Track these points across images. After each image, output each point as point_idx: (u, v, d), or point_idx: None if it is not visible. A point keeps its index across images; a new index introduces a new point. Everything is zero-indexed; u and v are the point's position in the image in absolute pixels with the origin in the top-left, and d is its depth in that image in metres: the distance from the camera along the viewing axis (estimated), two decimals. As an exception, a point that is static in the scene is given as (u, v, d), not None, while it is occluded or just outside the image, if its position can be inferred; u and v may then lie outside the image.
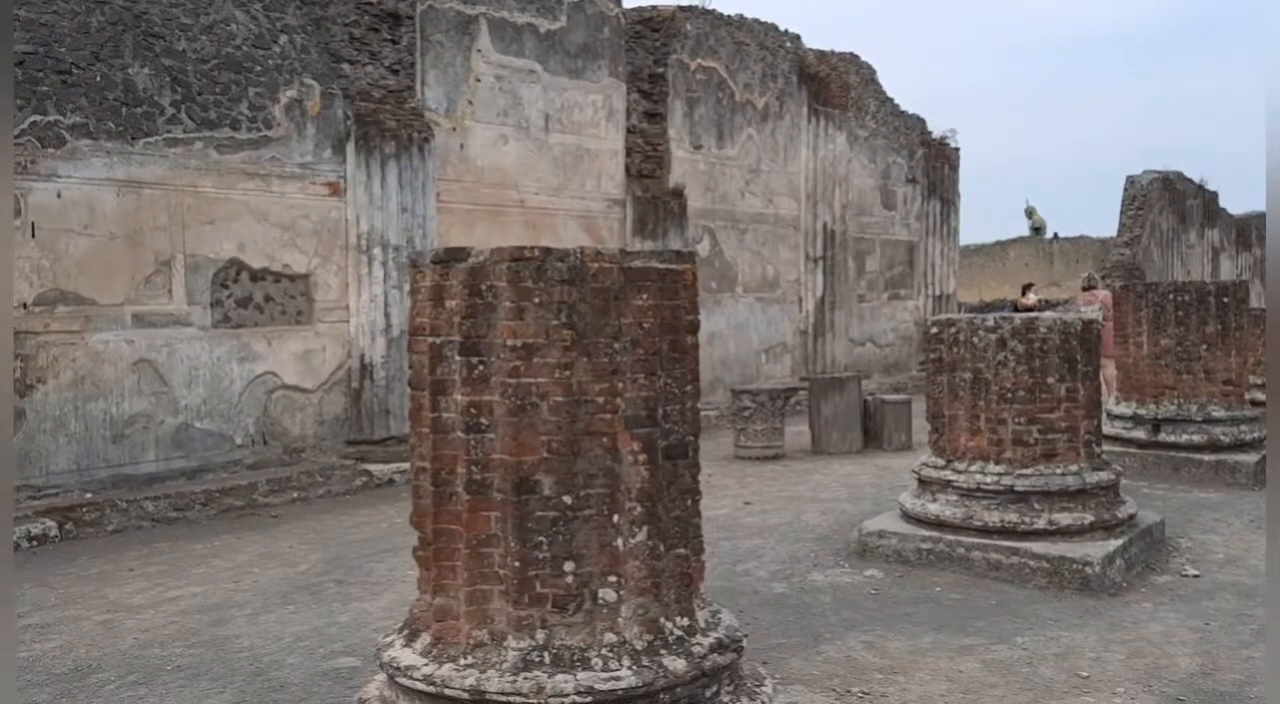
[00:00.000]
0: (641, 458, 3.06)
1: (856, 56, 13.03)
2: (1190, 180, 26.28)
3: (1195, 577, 5.49)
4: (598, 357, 3.01)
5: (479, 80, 9.28)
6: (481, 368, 3.00)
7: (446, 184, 9.02)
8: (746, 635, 3.46)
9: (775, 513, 7.09)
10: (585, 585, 2.97)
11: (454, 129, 9.12)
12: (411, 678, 2.99)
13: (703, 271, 11.49)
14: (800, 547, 6.16)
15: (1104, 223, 21.90)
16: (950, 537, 5.64)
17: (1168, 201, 24.36)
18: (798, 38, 12.47)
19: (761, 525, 6.74)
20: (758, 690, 3.26)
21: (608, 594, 2.99)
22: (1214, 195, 28.01)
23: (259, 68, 7.78)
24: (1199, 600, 5.09)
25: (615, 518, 3.00)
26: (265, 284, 7.95)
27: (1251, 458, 7.93)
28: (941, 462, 5.87)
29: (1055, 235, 36.11)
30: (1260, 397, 10.59)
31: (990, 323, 5.75)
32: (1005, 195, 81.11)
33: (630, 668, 2.90)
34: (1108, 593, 5.16)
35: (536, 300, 2.96)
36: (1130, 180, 23.43)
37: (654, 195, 10.64)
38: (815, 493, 7.75)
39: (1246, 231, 31.65)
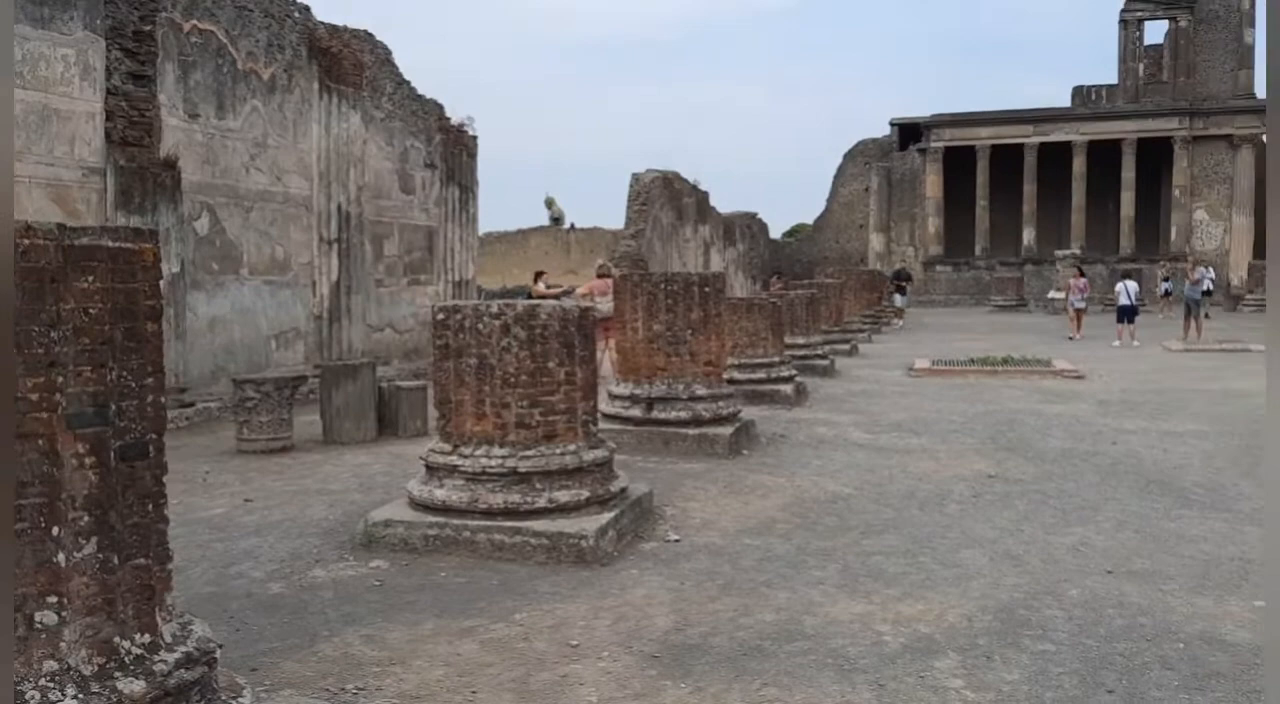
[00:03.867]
0: (89, 461, 2.71)
1: (371, 34, 12.75)
2: (686, 180, 29.04)
3: (676, 541, 6.00)
4: (30, 347, 2.61)
5: (-88, 17, 7.79)
6: None
7: None
8: (222, 646, 3.20)
9: (278, 509, 6.73)
10: (19, 609, 2.58)
11: (-123, 73, 7.58)
12: None
13: (202, 251, 10.63)
14: (303, 543, 5.88)
15: (616, 215, 23.54)
16: (457, 521, 5.68)
17: (667, 199, 26.73)
18: (307, 9, 11.93)
19: (262, 523, 6.35)
20: (234, 702, 3.04)
21: (47, 617, 2.63)
22: (706, 195, 31.20)
23: None
24: (678, 563, 5.56)
25: (55, 530, 2.64)
26: None
27: (727, 430, 8.83)
28: (449, 447, 5.90)
29: (572, 225, 38.32)
30: (737, 376, 11.90)
31: (495, 309, 5.87)
32: (529, 185, 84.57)
33: (76, 697, 2.58)
34: (600, 563, 5.47)
35: (-57, 281, 2.49)
36: (635, 177, 25.39)
37: (142, 166, 9.63)
38: (324, 485, 7.47)
39: (732, 229, 35.68)
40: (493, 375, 5.79)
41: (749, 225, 38.87)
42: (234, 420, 9.08)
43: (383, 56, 13.00)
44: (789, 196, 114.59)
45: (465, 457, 5.80)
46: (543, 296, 14.44)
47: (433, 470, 5.92)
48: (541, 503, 5.72)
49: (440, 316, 5.97)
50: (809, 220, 49.53)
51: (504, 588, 5.09)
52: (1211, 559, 5.63)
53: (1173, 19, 39.74)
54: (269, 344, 11.59)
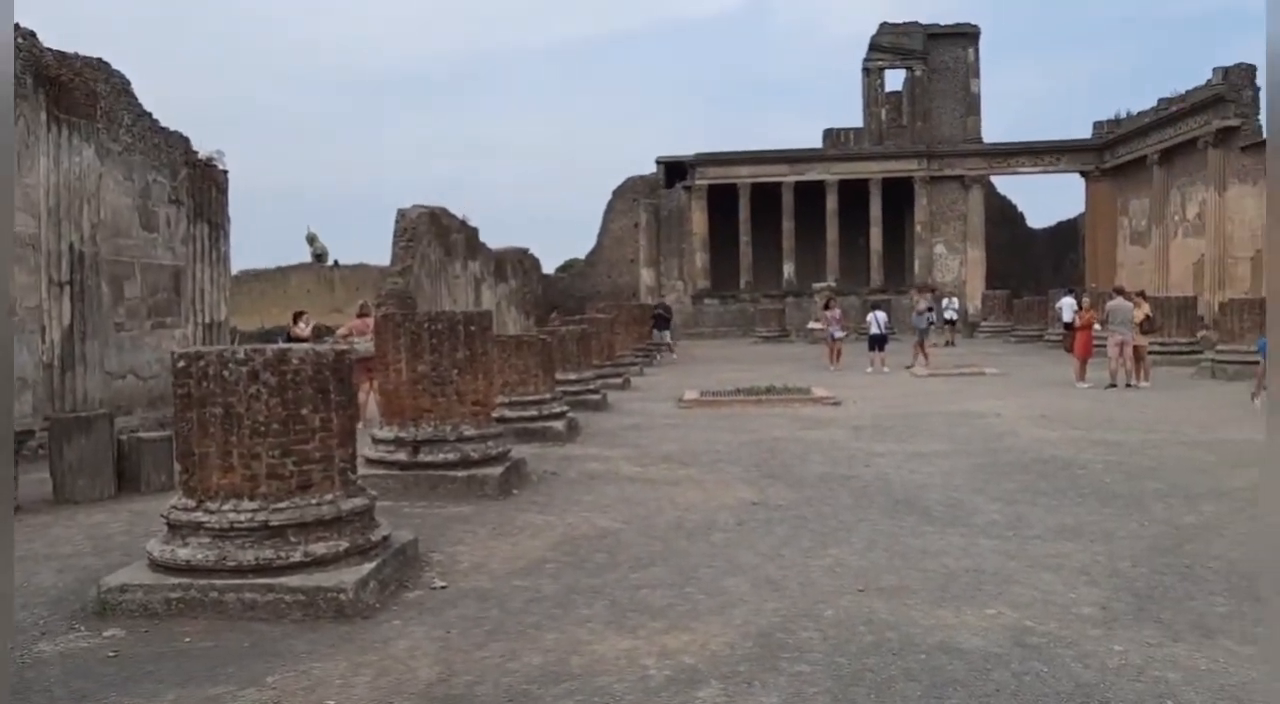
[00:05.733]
0: None
1: (106, 63, 11.91)
2: (454, 216, 28.73)
3: (443, 588, 5.85)
4: None
5: None
6: None
7: None
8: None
9: (-2, 579, 6.10)
10: None
11: None
12: None
13: (-92, 297, 9.56)
14: (27, 615, 5.35)
15: (383, 252, 22.89)
16: (203, 582, 5.34)
17: (435, 235, 26.34)
18: (32, 34, 11.02)
19: (-23, 596, 5.74)
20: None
21: None
22: (475, 230, 30.95)
23: None
24: (444, 611, 5.42)
25: None
26: None
27: (497, 470, 8.72)
28: (193, 503, 5.54)
29: (336, 262, 37.25)
30: (508, 414, 11.81)
31: (241, 355, 5.57)
32: (291, 221, 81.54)
33: None
34: (362, 616, 5.26)
35: None
36: (401, 213, 24.87)
37: None
38: (53, 549, 6.83)
39: (503, 264, 35.57)
40: (241, 425, 5.49)
41: (521, 261, 38.89)
42: (-53, 483, 8.19)
43: (119, 86, 12.17)
44: (561, 232, 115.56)
45: (211, 512, 5.46)
46: (301, 339, 13.87)
47: (175, 528, 5.54)
48: (297, 557, 5.45)
49: (181, 364, 5.61)
50: (582, 255, 50.11)
51: (255, 650, 4.80)
52: (950, 572, 6.00)
53: (909, 68, 42.92)
54: (-9, 397, 10.51)
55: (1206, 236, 31.32)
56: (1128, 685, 4.22)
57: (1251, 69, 30.22)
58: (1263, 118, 29.52)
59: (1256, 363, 10.19)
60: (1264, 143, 28.10)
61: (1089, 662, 4.49)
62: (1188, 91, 32.78)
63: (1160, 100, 35.14)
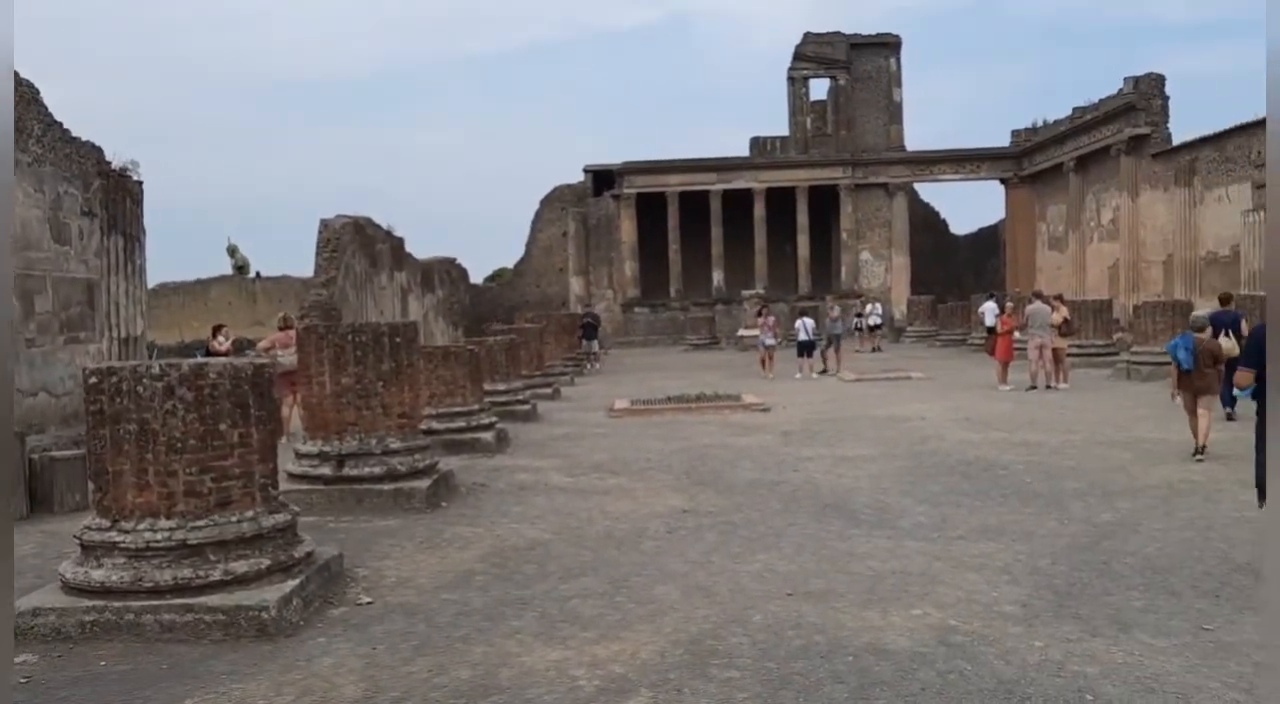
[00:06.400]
0: None
1: (15, 73, 11.57)
2: (379, 226, 28.38)
3: (369, 604, 5.76)
4: None
5: None
6: None
7: None
8: None
9: (-100, 607, 5.86)
10: None
11: None
12: None
13: None
14: (-70, 644, 5.14)
15: (306, 263, 22.47)
16: (118, 603, 5.19)
17: (359, 245, 25.97)
18: (-65, 42, 10.63)
19: (-123, 626, 5.50)
20: None
21: None
22: (401, 241, 30.61)
23: None
24: (369, 627, 5.33)
25: None
26: None
27: (424, 483, 8.63)
28: (107, 522, 5.39)
29: (258, 274, 36.59)
30: (436, 426, 11.66)
31: (156, 370, 5.43)
32: (211, 232, 79.80)
33: None
34: (285, 635, 5.16)
35: None
36: (324, 223, 24.47)
37: None
38: (-40, 574, 6.60)
39: (430, 274, 35.23)
40: (156, 441, 5.35)
41: (448, 271, 38.52)
42: None
43: (28, 96, 11.78)
44: (490, 241, 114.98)
45: (126, 532, 5.31)
46: (219, 353, 13.56)
47: (89, 549, 5.38)
48: (216, 576, 5.32)
49: (93, 380, 5.46)
50: (510, 265, 49.86)
51: (174, 672, 4.68)
52: (877, 574, 6.07)
53: (833, 78, 43.51)
54: (-106, 417, 10.11)
55: (1121, 241, 32.24)
56: (1048, 681, 4.31)
57: (1161, 79, 31.21)
58: (1172, 126, 30.59)
59: (1169, 364, 10.51)
60: (1173, 150, 29.08)
61: (1011, 659, 4.57)
62: (1101, 100, 33.76)
63: (1075, 109, 36.15)
